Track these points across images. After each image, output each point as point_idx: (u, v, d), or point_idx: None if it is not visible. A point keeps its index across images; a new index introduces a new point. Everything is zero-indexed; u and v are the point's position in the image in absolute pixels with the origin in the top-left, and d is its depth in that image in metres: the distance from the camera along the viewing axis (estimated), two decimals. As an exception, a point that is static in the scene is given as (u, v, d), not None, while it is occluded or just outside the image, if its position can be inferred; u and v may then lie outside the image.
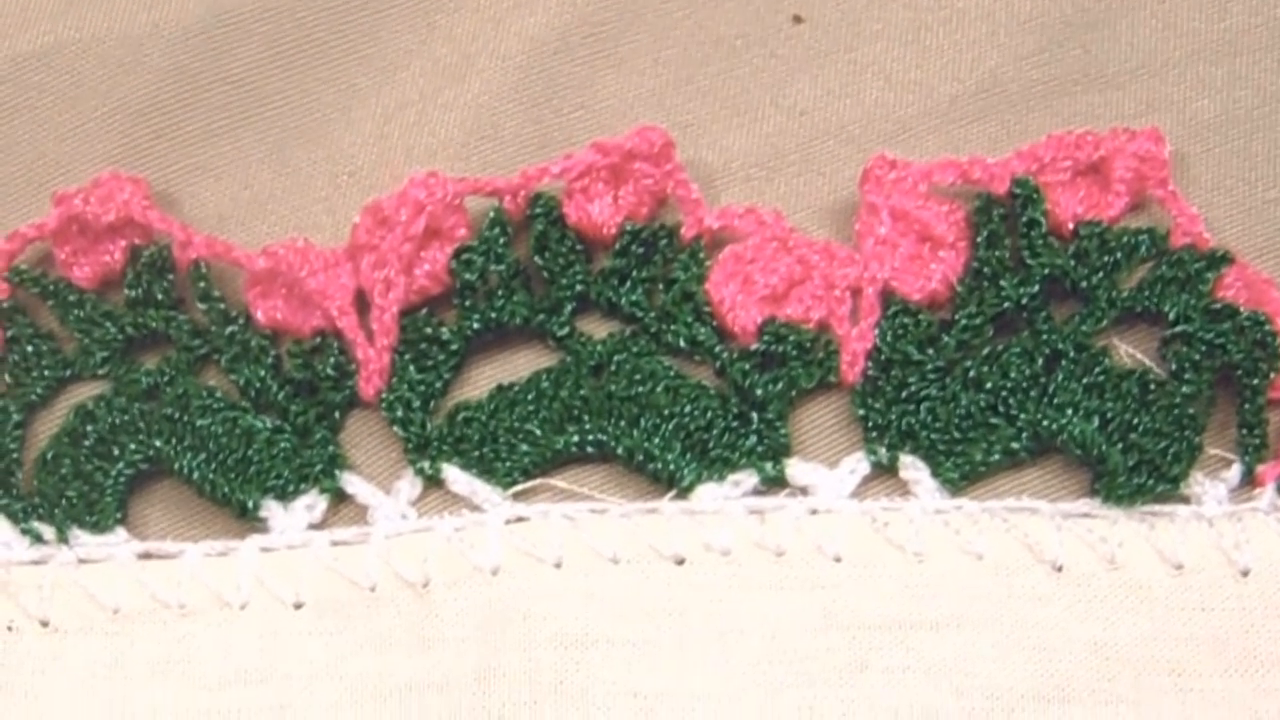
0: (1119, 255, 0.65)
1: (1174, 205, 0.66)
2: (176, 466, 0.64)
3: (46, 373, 0.66)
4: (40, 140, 0.69)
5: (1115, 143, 0.66)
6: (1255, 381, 0.63)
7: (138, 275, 0.66)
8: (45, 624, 0.63)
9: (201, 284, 0.65)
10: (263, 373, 0.65)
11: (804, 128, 0.68)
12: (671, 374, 0.64)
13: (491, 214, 0.65)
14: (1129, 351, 0.65)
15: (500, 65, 0.69)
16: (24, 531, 0.64)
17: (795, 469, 0.64)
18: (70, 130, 0.69)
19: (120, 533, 0.64)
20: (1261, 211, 0.67)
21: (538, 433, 0.64)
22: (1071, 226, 0.66)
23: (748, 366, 0.64)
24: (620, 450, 0.64)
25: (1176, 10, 0.70)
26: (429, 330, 0.65)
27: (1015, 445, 0.63)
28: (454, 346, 0.65)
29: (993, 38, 0.69)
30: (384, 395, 0.65)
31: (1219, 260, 0.65)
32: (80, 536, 0.64)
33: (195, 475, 0.64)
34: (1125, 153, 0.66)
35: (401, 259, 0.64)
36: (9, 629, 0.63)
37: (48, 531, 0.64)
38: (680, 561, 0.62)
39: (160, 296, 0.66)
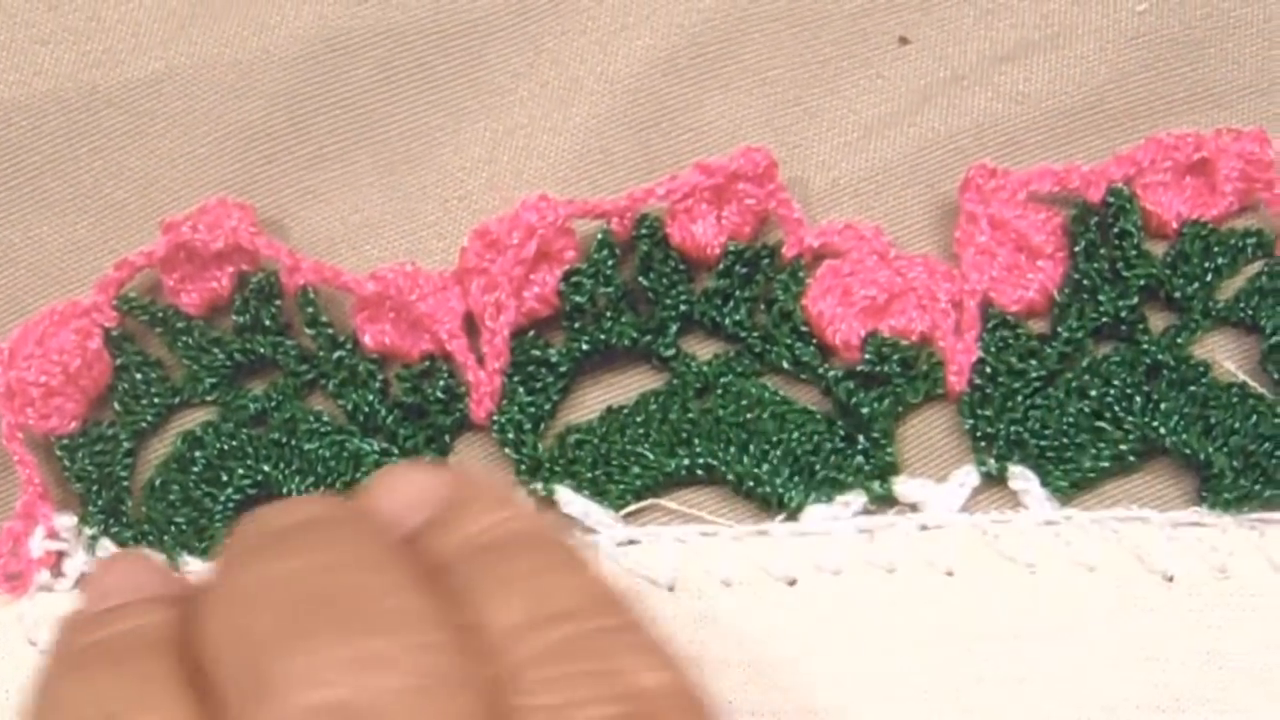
0: (1220, 260, 0.65)
1: None
2: (285, 491, 0.64)
3: (155, 399, 0.66)
4: (150, 166, 0.69)
5: (1219, 142, 0.66)
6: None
7: (245, 301, 0.66)
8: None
9: (309, 309, 0.65)
10: (370, 396, 0.65)
11: (911, 141, 0.68)
12: (777, 399, 0.64)
13: (599, 236, 0.65)
14: (1229, 369, 0.64)
15: (608, 88, 0.69)
16: (133, 558, 0.64)
17: (903, 486, 0.63)
18: (180, 156, 0.69)
19: (230, 557, 0.64)
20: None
21: (649, 455, 0.64)
22: (1175, 226, 0.65)
23: (852, 385, 0.64)
24: (730, 475, 0.63)
25: (1283, 28, 0.70)
26: (537, 353, 0.65)
27: (1124, 448, 0.63)
28: (562, 369, 0.65)
29: (1101, 54, 0.69)
30: (495, 418, 0.65)
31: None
32: (190, 563, 0.64)
33: (303, 500, 0.64)
34: (1229, 153, 0.65)
35: (513, 282, 0.64)
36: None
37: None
38: (792, 582, 0.62)
39: (268, 322, 0.66)
